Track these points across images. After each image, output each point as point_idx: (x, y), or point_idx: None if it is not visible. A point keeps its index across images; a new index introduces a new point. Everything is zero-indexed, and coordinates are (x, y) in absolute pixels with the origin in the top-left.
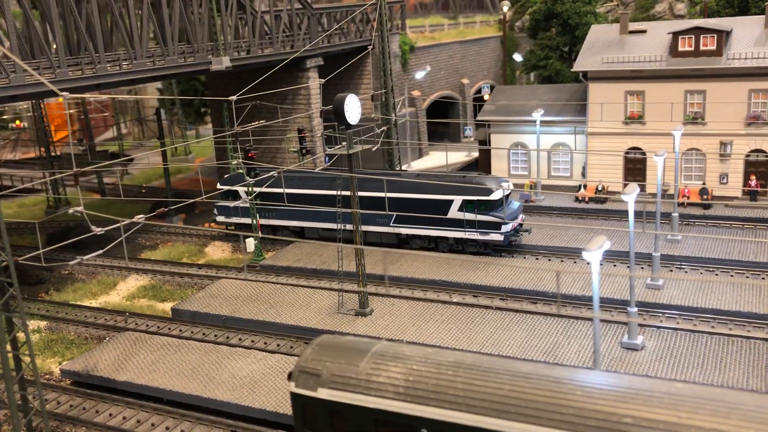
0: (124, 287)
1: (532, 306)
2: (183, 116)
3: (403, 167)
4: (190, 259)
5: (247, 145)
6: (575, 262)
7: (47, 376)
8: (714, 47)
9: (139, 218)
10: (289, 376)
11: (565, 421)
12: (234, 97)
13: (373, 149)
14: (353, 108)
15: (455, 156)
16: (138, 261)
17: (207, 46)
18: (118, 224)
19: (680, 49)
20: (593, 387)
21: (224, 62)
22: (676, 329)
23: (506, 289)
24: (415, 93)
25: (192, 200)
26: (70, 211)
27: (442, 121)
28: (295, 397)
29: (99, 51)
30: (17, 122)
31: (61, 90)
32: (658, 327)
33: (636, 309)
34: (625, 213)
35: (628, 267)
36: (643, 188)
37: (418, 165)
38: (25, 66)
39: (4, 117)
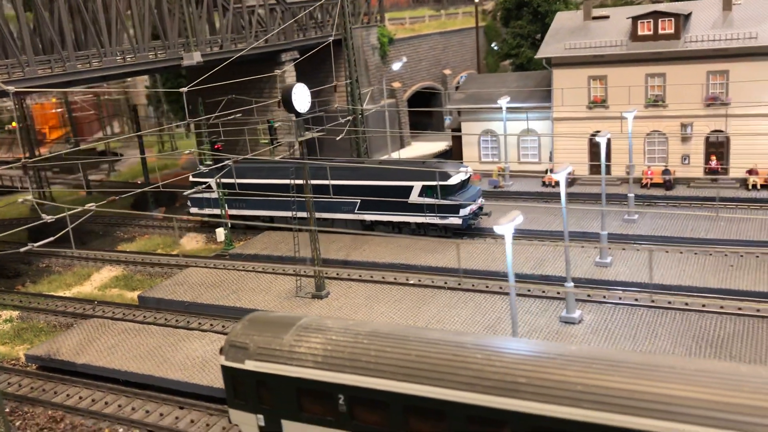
0: (98, 278)
1: (483, 285)
2: (170, 112)
3: (384, 157)
4: (164, 249)
5: (213, 137)
6: (532, 243)
7: (13, 362)
8: (672, 31)
9: (90, 206)
10: (221, 351)
11: (465, 382)
12: (185, 89)
13: (337, 138)
14: (302, 97)
15: (439, 145)
16: (113, 252)
17: (179, 41)
18: (65, 213)
19: (640, 33)
20: (493, 351)
21: (195, 57)
22: (615, 303)
23: (461, 270)
24: (396, 84)
25: (140, 189)
26: (20, 200)
27: (419, 110)
28: (225, 369)
29: (68, 49)
30: (13, 123)
31: (6, 83)
32: (597, 302)
33: (572, 284)
34: (590, 196)
35: (582, 246)
36: (609, 170)
37: (399, 155)
38: None
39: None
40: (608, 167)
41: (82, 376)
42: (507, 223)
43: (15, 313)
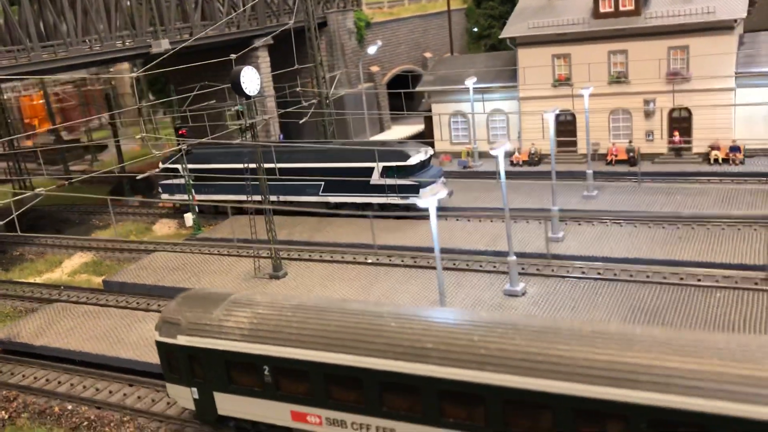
0: (69, 264)
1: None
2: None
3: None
4: (136, 236)
5: (178, 123)
6: (491, 221)
7: None
8: (633, 7)
9: (40, 191)
10: (156, 327)
11: (378, 349)
12: (136, 74)
13: (300, 122)
14: (251, 80)
15: (417, 128)
16: (85, 239)
17: (148, 30)
18: (9, 199)
19: (601, 10)
20: (407, 320)
21: (163, 45)
22: (560, 276)
23: (417, 248)
24: (374, 68)
25: (96, 173)
26: None
27: (393, 92)
28: (159, 345)
29: (33, 40)
30: None
31: None
32: (544, 275)
33: (514, 257)
34: (558, 174)
35: (540, 223)
36: (574, 150)
37: (378, 138)
38: None
39: None
40: (574, 144)
41: (40, 358)
42: (430, 196)
43: None
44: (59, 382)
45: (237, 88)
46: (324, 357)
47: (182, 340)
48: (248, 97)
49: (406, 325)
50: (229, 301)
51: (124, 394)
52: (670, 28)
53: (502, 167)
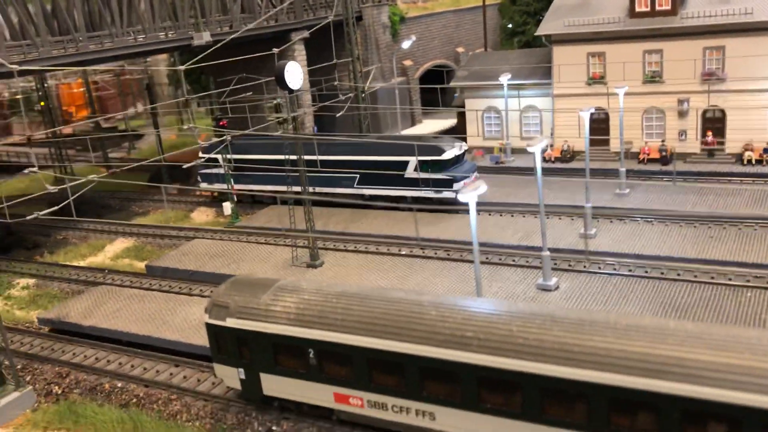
0: (111, 249)
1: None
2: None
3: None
4: (175, 223)
5: (218, 114)
6: (524, 217)
7: (27, 325)
8: (669, 7)
9: (92, 177)
10: (205, 310)
11: (420, 336)
12: (183, 67)
13: (337, 115)
14: (294, 74)
15: (448, 122)
16: (126, 225)
17: (189, 21)
18: (65, 185)
19: (637, 9)
20: (447, 309)
21: (205, 37)
22: (592, 272)
23: (452, 241)
24: (407, 62)
25: (139, 163)
26: (26, 171)
27: (425, 87)
28: (208, 326)
29: (81, 30)
30: (41, 102)
31: (18, 63)
32: (577, 271)
33: (548, 253)
34: (590, 171)
35: (572, 219)
36: (607, 148)
37: (409, 132)
38: None
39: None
40: (606, 142)
41: (88, 337)
42: (471, 191)
43: (32, 281)
44: (108, 361)
45: (281, 82)
46: (367, 342)
47: (231, 322)
48: (291, 91)
49: (447, 314)
50: (276, 286)
51: (171, 374)
52: (707, 28)
53: (539, 164)
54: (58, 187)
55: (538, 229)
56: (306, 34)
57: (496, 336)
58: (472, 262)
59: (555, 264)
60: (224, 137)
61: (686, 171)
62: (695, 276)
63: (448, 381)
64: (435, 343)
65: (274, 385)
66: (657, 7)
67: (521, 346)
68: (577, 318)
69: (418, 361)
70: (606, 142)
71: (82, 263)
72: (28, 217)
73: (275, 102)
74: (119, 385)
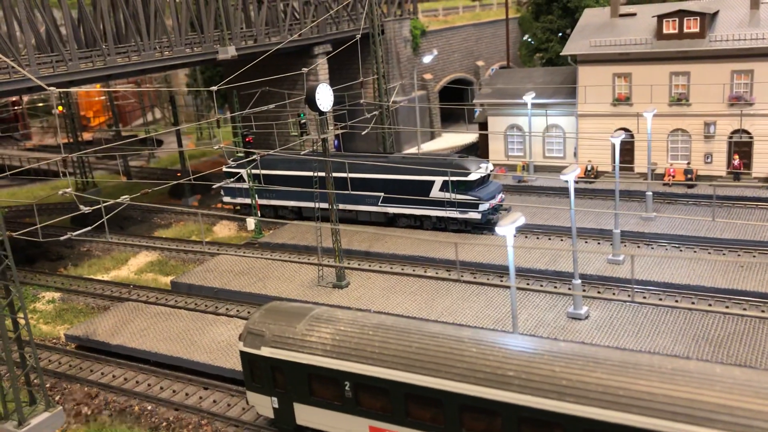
0: (135, 263)
1: (497, 280)
2: (210, 101)
3: (413, 150)
4: (198, 237)
5: (245, 130)
6: (549, 239)
7: (54, 341)
8: (697, 29)
9: (124, 198)
10: (240, 337)
11: (459, 374)
12: (215, 88)
13: (363, 133)
14: (325, 96)
15: (468, 137)
16: (149, 238)
17: (214, 35)
18: (100, 205)
19: (665, 31)
20: (487, 346)
21: (230, 51)
22: (622, 301)
23: (477, 264)
24: (427, 76)
25: (174, 182)
26: (60, 192)
27: (447, 105)
28: (243, 354)
29: (109, 43)
30: (59, 108)
31: (49, 85)
32: (606, 299)
33: (579, 281)
34: (611, 192)
35: (598, 243)
36: (631, 168)
37: (428, 147)
38: (9, 62)
39: (46, 104)
40: (631, 163)
41: (116, 356)
42: (508, 224)
43: (57, 295)
44: (137, 382)
45: (311, 104)
46: (405, 377)
47: (266, 351)
48: (322, 113)
49: (487, 351)
50: (311, 316)
51: (200, 397)
52: (735, 51)
53: (572, 193)
54: (92, 207)
55: (564, 252)
56: (329, 47)
57: (538, 376)
58: (499, 286)
59: (584, 290)
60: (253, 156)
61: (711, 195)
62: (726, 307)
63: (487, 420)
64: (475, 380)
65: (307, 415)
66: (685, 30)
67: (564, 387)
68: (621, 359)
69: (457, 399)
70: (630, 163)
71: (106, 277)
72: (62, 238)
73: (301, 120)
74: (149, 407)
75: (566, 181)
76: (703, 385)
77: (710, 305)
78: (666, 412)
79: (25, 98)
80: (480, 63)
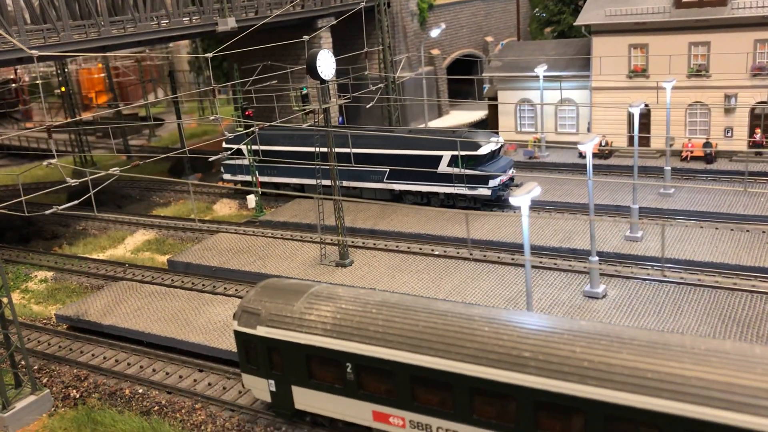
0: (131, 241)
1: (509, 259)
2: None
3: (420, 126)
4: (197, 215)
5: (245, 104)
6: (562, 215)
7: (45, 321)
8: None
9: (114, 170)
10: (234, 316)
11: (470, 355)
12: (210, 54)
13: (368, 106)
14: (326, 63)
15: (476, 114)
16: (147, 217)
17: (213, 7)
18: (87, 178)
19: None
20: (501, 324)
21: (230, 23)
22: (641, 279)
23: (487, 242)
24: (434, 51)
25: (165, 155)
26: (44, 163)
27: (456, 77)
28: (237, 334)
29: (103, 15)
30: (62, 88)
31: (39, 48)
32: (624, 277)
33: (597, 258)
34: (628, 168)
35: (614, 219)
36: (648, 142)
37: (436, 124)
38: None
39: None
40: (647, 139)
41: (108, 337)
42: (523, 194)
43: (49, 274)
44: (129, 364)
45: (312, 72)
46: (412, 359)
47: (262, 331)
48: (323, 82)
49: (501, 330)
50: (310, 293)
51: (195, 380)
52: (759, 19)
53: (590, 166)
54: (79, 180)
55: (578, 229)
56: (333, 20)
57: (557, 357)
58: (510, 264)
59: (600, 268)
60: (252, 128)
61: (731, 170)
62: (753, 286)
63: (501, 404)
64: (488, 362)
65: (307, 399)
66: None
67: (585, 369)
68: (648, 339)
69: (468, 381)
70: (647, 138)
71: (101, 256)
72: (47, 212)
73: (302, 92)
74: (140, 390)
75: (583, 152)
76: (742, 368)
77: (735, 284)
78: (701, 396)
79: (26, 78)
80: (489, 38)
